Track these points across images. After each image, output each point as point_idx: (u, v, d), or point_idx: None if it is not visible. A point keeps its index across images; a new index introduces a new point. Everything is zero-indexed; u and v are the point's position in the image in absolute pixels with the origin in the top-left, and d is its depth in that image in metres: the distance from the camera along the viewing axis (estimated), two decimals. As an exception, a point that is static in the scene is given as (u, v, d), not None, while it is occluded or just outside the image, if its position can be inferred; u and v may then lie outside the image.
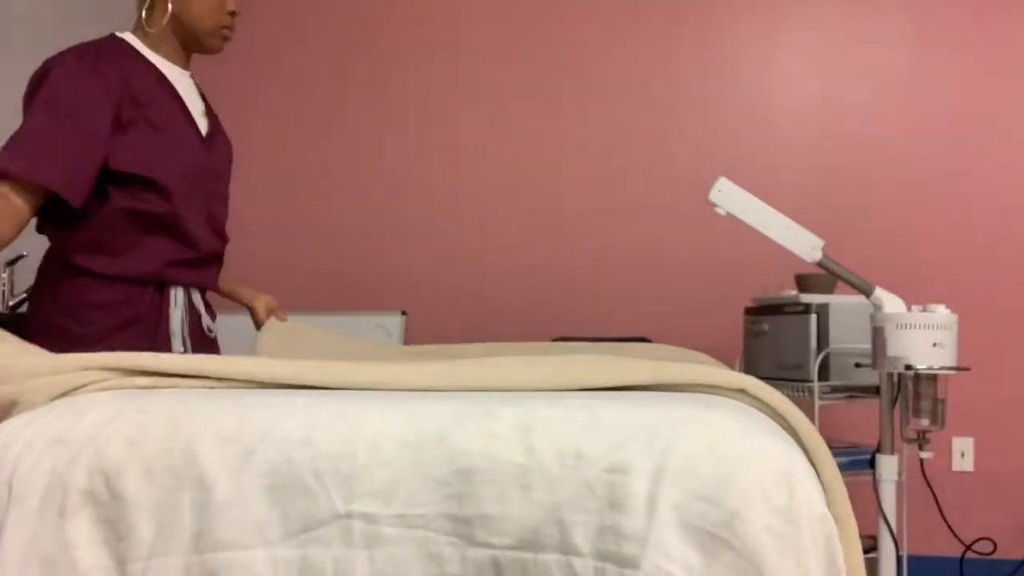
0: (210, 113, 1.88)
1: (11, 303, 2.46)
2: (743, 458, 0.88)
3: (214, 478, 0.87)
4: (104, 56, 1.68)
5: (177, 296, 1.73)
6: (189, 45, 1.80)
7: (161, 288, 1.71)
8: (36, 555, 0.84)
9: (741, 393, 1.12)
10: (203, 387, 1.12)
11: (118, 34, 1.78)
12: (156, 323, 1.70)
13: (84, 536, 0.85)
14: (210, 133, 1.84)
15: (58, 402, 1.04)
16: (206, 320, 1.83)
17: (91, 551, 0.85)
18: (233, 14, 1.77)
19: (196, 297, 1.80)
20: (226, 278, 2.01)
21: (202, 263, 1.79)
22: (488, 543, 0.88)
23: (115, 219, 1.65)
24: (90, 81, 1.62)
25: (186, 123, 1.77)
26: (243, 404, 0.97)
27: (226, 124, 1.87)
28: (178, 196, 1.69)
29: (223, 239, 1.86)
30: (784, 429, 1.06)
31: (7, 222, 1.55)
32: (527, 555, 0.87)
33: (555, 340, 3.30)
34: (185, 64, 1.82)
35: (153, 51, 1.77)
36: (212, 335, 1.86)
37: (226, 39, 1.80)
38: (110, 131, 1.62)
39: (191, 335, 1.78)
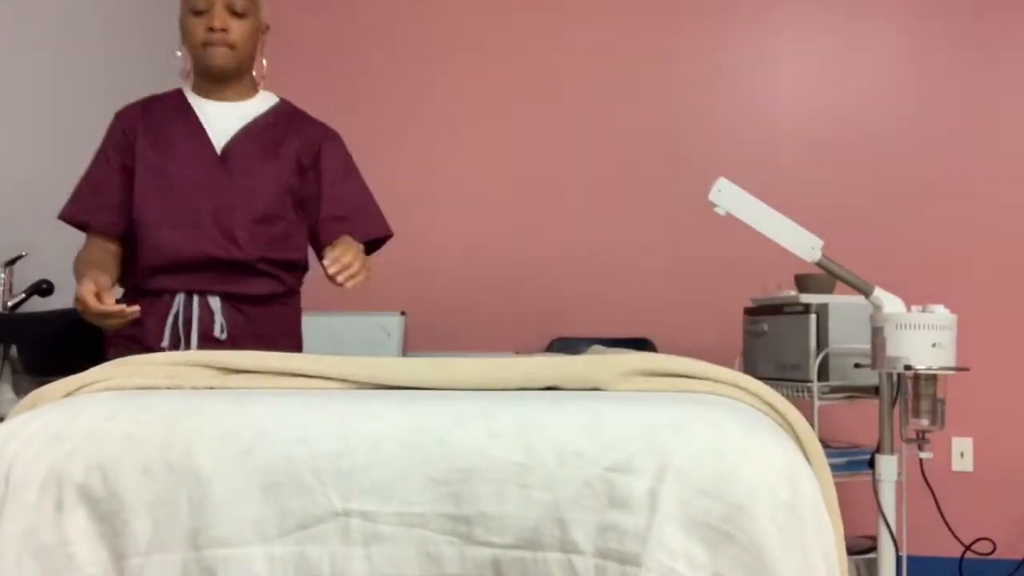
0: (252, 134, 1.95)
1: (10, 303, 2.45)
2: (746, 454, 0.88)
3: (211, 475, 0.86)
4: None
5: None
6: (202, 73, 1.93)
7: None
8: (33, 548, 0.84)
9: (735, 389, 1.12)
10: (204, 387, 1.12)
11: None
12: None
13: (81, 531, 0.85)
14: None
15: (60, 400, 1.04)
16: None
17: (88, 546, 0.85)
18: (213, 29, 1.84)
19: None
20: None
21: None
22: (488, 542, 0.87)
23: None
24: None
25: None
26: (242, 403, 0.97)
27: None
28: None
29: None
30: (780, 426, 1.06)
31: None
32: (527, 554, 0.87)
33: (555, 340, 3.30)
34: (214, 95, 1.95)
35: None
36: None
37: (211, 46, 1.86)
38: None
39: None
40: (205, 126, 1.91)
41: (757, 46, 3.36)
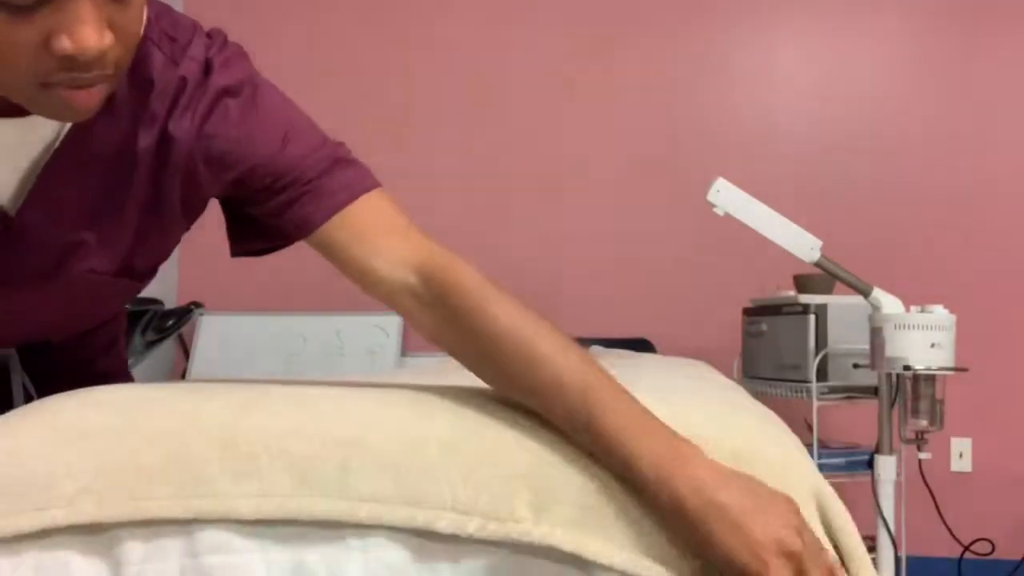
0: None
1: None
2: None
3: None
4: None
5: None
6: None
7: None
8: (28, 555, 0.84)
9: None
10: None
11: None
12: None
13: (77, 536, 0.84)
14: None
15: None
16: None
17: (85, 554, 0.84)
18: (71, 58, 0.74)
19: None
20: None
21: None
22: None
23: None
24: None
25: None
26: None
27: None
28: None
29: None
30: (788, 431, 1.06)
31: None
32: (525, 558, 0.87)
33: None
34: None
35: None
36: None
37: (67, 90, 0.78)
38: None
39: None
40: None
41: (757, 45, 3.36)
